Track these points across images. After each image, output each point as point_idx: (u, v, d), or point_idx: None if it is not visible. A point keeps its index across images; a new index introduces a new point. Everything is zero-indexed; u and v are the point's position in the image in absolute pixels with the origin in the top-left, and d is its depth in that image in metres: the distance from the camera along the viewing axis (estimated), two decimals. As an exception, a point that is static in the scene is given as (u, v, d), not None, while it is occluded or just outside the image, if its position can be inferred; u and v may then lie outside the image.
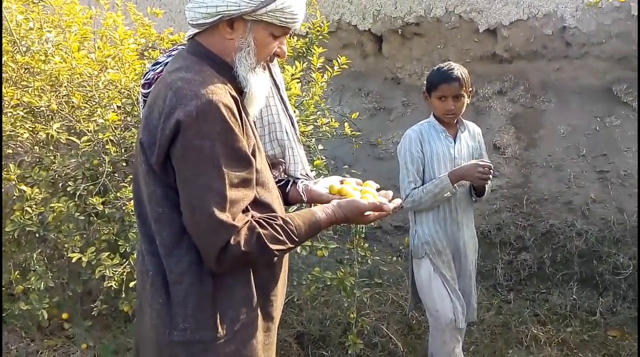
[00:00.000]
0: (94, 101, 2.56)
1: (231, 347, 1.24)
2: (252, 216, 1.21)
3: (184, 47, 1.31)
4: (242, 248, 1.15)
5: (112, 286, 2.22)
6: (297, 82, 2.49)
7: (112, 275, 2.22)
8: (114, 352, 2.76)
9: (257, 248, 1.18)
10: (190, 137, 1.12)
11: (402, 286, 3.38)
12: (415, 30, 4.41)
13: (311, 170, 2.45)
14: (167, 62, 1.32)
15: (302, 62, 2.79)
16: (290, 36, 3.02)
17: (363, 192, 1.42)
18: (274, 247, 1.20)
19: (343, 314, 2.76)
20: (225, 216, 1.14)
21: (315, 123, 2.64)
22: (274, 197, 1.33)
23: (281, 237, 1.21)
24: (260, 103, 1.32)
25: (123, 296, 2.38)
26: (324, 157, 2.68)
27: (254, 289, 1.27)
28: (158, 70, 1.33)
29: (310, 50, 2.97)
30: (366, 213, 1.34)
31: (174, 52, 1.34)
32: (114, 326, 2.90)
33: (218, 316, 1.23)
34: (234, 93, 1.23)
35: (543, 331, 2.94)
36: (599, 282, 3.23)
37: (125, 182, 2.46)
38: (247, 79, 1.25)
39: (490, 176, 2.23)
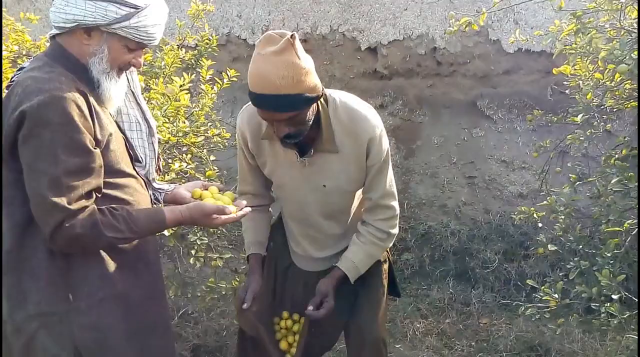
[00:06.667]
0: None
1: (87, 319, 1.34)
2: (97, 204, 1.31)
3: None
4: (77, 230, 1.25)
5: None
6: (186, 94, 2.49)
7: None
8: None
9: (91, 232, 1.28)
10: (31, 126, 1.23)
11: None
12: (303, 46, 4.59)
13: (205, 180, 2.49)
14: None
15: (190, 74, 2.79)
16: (178, 48, 3.01)
17: (217, 198, 1.55)
18: (109, 234, 1.30)
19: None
20: (59, 200, 1.23)
21: (206, 134, 2.66)
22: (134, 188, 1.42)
23: (120, 226, 1.31)
24: (114, 103, 1.43)
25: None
26: (216, 168, 2.70)
27: (111, 270, 1.37)
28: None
29: (199, 63, 2.98)
30: (213, 216, 1.46)
31: None
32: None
33: (72, 290, 1.33)
34: (82, 88, 1.31)
35: (424, 324, 3.21)
36: (470, 276, 3.59)
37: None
38: (100, 81, 1.36)
39: None
